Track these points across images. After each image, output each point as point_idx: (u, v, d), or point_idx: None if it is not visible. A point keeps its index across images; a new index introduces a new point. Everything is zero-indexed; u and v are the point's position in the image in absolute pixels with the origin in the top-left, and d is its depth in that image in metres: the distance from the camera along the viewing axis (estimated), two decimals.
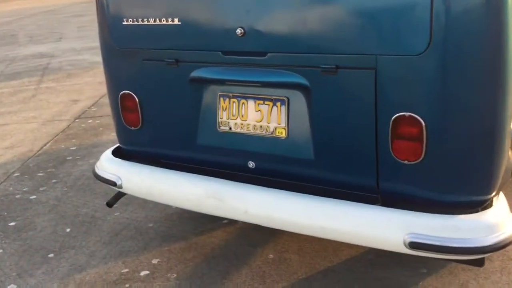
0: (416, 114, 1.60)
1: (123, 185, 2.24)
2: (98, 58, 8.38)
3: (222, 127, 2.02)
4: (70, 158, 3.85)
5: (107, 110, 5.08)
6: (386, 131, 1.66)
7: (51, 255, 2.52)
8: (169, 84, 2.09)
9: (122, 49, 2.16)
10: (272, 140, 1.92)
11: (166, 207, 2.85)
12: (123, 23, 2.11)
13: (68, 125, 4.71)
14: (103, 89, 5.99)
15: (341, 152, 1.78)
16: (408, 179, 1.67)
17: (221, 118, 2.02)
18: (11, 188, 3.38)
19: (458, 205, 1.67)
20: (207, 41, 1.93)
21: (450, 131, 1.59)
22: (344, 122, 1.74)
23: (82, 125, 4.69)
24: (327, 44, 1.68)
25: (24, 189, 3.34)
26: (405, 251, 1.64)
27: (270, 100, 1.90)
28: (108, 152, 2.42)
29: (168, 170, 2.18)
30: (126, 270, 2.33)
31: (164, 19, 1.99)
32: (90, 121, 4.80)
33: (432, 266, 2.16)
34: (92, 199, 3.11)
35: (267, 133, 1.93)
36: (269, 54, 1.81)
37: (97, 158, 3.61)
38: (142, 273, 2.30)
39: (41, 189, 3.32)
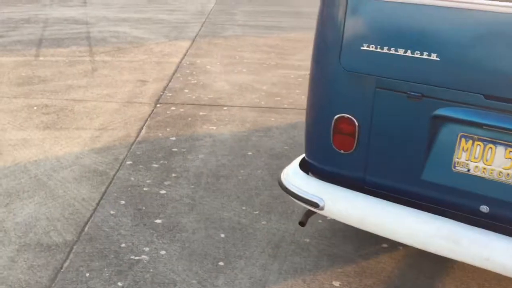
0: None
1: (326, 208, 2.22)
2: (139, 33, 8.24)
3: (458, 167, 2.02)
4: (176, 150, 3.77)
5: (184, 98, 5.01)
6: None
7: (221, 264, 2.49)
8: (403, 116, 2.06)
9: (352, 73, 2.12)
10: None
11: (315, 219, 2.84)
12: (361, 48, 2.07)
13: (152, 111, 4.60)
14: (165, 71, 5.88)
15: None
16: None
17: (459, 159, 2.01)
18: (132, 178, 3.30)
19: None
20: (468, 82, 1.90)
21: None
22: None
23: (168, 112, 4.59)
24: None
25: (148, 181, 3.26)
26: None
27: None
28: (298, 169, 2.38)
29: (382, 200, 2.16)
30: None
31: (419, 52, 1.96)
32: (173, 108, 4.70)
33: None
34: (227, 202, 3.06)
35: None
36: None
37: (204, 154, 3.59)
38: None
39: (165, 183, 3.25)
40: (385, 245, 2.68)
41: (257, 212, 2.96)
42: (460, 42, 1.89)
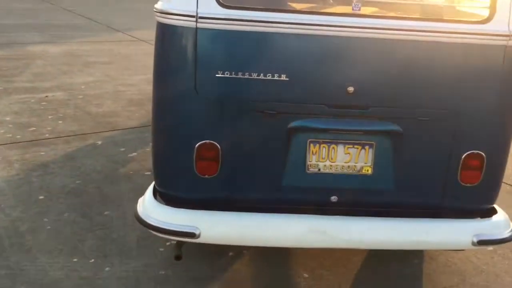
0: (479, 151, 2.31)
1: (202, 235, 2.23)
2: None
3: (311, 169, 2.30)
4: None
5: None
6: (456, 165, 2.32)
7: None
8: (261, 133, 2.22)
9: (210, 99, 2.16)
10: (358, 177, 2.33)
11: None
12: (217, 75, 2.13)
13: None
14: None
15: (416, 181, 2.35)
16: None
17: (310, 161, 2.30)
18: None
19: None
20: (314, 96, 2.19)
21: None
22: (423, 158, 2.31)
23: None
24: (422, 101, 2.22)
25: None
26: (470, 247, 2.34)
27: (359, 144, 2.30)
28: (158, 203, 2.31)
29: (253, 213, 2.29)
30: None
31: (270, 74, 2.14)
32: None
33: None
34: (52, 259, 2.69)
35: (353, 171, 2.32)
36: (371, 108, 2.22)
37: None
38: None
39: None
40: (231, 253, 2.82)
41: (93, 260, 2.70)
42: (305, 62, 2.15)
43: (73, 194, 3.40)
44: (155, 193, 2.40)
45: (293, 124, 2.23)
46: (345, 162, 2.32)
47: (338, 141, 2.30)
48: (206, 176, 2.26)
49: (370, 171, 2.33)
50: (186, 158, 2.24)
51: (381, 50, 2.15)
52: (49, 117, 4.91)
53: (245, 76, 2.14)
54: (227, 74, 2.14)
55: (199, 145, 2.22)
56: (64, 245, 2.82)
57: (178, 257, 2.38)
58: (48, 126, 4.65)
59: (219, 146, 2.22)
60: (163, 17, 2.17)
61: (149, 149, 4.21)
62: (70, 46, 8.63)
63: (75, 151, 4.12)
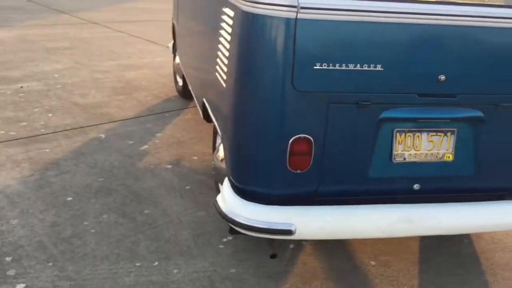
0: None
1: (298, 231, 2.18)
2: None
3: (397, 159, 2.30)
4: None
5: None
6: None
7: None
8: (353, 125, 2.18)
9: (306, 93, 2.09)
10: (440, 164, 2.36)
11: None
12: (314, 67, 2.06)
13: None
14: None
15: (496, 165, 2.40)
16: None
17: (396, 151, 2.29)
18: None
19: None
20: (407, 85, 2.17)
21: None
22: (503, 143, 2.37)
23: None
24: (504, 88, 2.27)
25: None
26: None
27: (442, 131, 2.32)
28: (249, 202, 2.22)
29: (344, 206, 2.26)
30: None
31: (366, 65, 2.10)
32: None
33: None
34: (111, 265, 2.53)
35: (436, 158, 2.35)
36: (459, 96, 2.24)
37: (16, 218, 2.85)
38: None
39: None
40: (292, 246, 2.78)
41: (156, 263, 2.56)
42: (400, 51, 2.12)
43: (102, 193, 3.20)
44: (238, 192, 2.30)
45: (384, 114, 2.21)
46: (428, 150, 2.34)
47: (423, 129, 2.31)
48: (298, 171, 2.20)
49: (451, 158, 2.36)
50: (279, 154, 2.16)
51: (472, 37, 2.17)
52: (35, 110, 4.57)
53: (342, 68, 2.08)
54: (324, 66, 2.07)
55: (293, 140, 2.14)
56: (119, 249, 2.65)
57: (274, 256, 2.32)
58: (39, 120, 4.33)
59: (312, 140, 2.17)
60: (253, 7, 2.06)
61: (158, 141, 4.04)
62: (21, 30, 8.06)
63: (82, 147, 3.86)
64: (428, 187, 2.38)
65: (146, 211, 3.03)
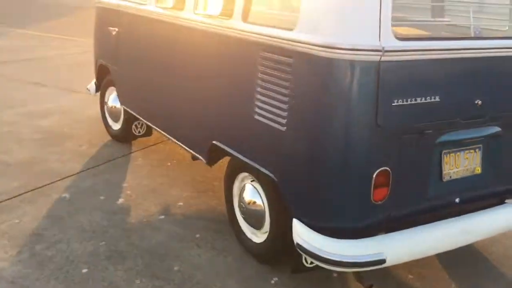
0: None
1: (389, 259, 2.29)
2: None
3: (446, 178, 2.55)
4: None
5: None
6: None
7: None
8: (418, 151, 2.39)
9: (387, 128, 2.22)
10: (472, 177, 2.67)
11: None
12: (393, 104, 2.21)
13: None
14: None
15: None
16: None
17: (445, 171, 2.54)
18: None
19: None
20: (454, 112, 2.44)
21: None
22: None
23: None
24: None
25: None
26: None
27: (473, 148, 2.64)
28: (333, 240, 2.28)
29: (419, 227, 2.45)
30: None
31: (429, 97, 2.32)
32: None
33: None
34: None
35: (470, 173, 2.65)
36: (487, 116, 2.57)
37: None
38: None
39: None
40: None
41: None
42: (453, 83, 2.39)
43: (115, 258, 2.93)
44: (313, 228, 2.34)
45: (438, 139, 2.45)
46: (464, 166, 2.64)
47: (460, 149, 2.60)
48: (379, 202, 2.33)
49: (479, 170, 2.69)
50: (365, 188, 2.27)
51: (499, 65, 2.54)
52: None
53: (413, 102, 2.28)
54: (400, 102, 2.25)
55: (377, 173, 2.27)
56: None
57: (370, 286, 2.38)
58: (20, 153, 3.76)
59: (390, 171, 2.31)
60: (333, 52, 2.15)
61: (129, 191, 3.81)
62: None
63: (52, 210, 3.47)
64: (465, 198, 2.68)
65: (175, 268, 2.86)
